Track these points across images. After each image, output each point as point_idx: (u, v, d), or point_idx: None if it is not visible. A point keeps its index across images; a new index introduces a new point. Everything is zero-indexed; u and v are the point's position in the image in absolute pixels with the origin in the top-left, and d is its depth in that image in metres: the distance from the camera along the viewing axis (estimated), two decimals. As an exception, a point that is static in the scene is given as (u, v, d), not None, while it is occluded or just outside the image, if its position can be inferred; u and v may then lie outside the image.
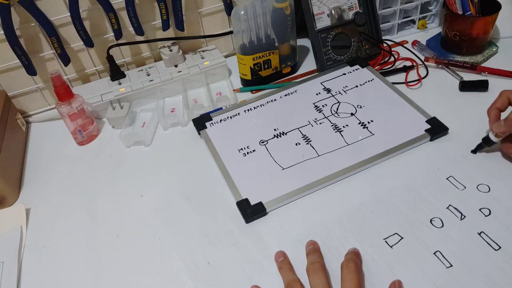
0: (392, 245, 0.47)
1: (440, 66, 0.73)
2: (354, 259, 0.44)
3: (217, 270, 0.48)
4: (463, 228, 0.48)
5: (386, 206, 0.51)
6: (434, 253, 0.46)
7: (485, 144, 0.55)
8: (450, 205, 0.50)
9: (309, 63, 0.80)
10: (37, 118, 0.76)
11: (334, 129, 0.62)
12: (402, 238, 0.48)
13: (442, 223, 0.49)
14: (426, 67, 0.73)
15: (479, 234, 0.47)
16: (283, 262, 0.46)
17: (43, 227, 0.57)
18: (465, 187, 0.52)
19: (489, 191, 0.51)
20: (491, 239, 0.46)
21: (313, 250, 0.47)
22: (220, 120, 0.66)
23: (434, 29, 0.82)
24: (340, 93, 0.68)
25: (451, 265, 0.44)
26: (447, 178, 0.53)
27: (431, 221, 0.49)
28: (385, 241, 0.48)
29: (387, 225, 0.49)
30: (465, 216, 0.49)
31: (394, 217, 0.50)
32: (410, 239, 0.48)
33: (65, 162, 0.66)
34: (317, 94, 0.69)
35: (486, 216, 0.49)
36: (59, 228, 0.56)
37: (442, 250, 0.46)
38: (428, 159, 0.56)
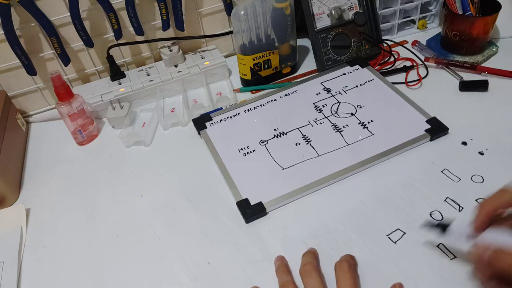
0: (396, 241, 0.48)
1: (440, 66, 0.73)
2: (347, 259, 0.44)
3: (217, 270, 0.48)
4: (462, 219, 0.48)
5: (386, 203, 0.52)
6: (437, 246, 0.46)
7: (441, 230, 0.44)
8: (447, 197, 0.51)
9: (309, 63, 0.80)
10: (37, 118, 0.76)
11: (334, 129, 0.62)
12: (404, 233, 0.48)
13: (442, 215, 0.49)
14: (426, 67, 0.73)
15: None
16: (279, 264, 0.47)
17: (43, 227, 0.57)
18: (460, 179, 0.53)
19: (482, 182, 0.52)
20: None
21: (307, 252, 0.47)
22: (220, 120, 0.66)
23: (434, 29, 0.82)
24: (340, 93, 0.68)
25: (455, 257, 0.45)
26: (441, 171, 0.54)
27: (431, 214, 0.50)
28: (389, 237, 0.48)
29: (389, 221, 0.50)
30: (463, 208, 0.50)
31: (395, 213, 0.50)
32: (412, 234, 0.48)
33: (65, 162, 0.66)
34: (317, 94, 0.69)
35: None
36: (59, 228, 0.56)
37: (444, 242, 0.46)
38: (428, 159, 0.56)
